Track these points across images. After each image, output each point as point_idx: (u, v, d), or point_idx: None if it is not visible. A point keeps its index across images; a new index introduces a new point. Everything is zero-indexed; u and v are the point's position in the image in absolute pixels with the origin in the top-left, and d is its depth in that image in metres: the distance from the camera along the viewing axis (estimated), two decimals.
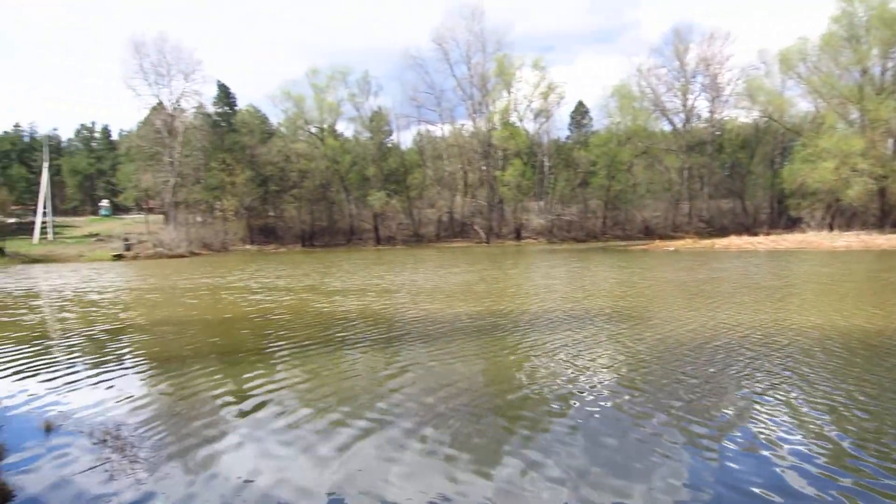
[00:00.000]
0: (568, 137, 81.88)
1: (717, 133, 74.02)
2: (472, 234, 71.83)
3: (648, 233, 69.64)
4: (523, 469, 5.39)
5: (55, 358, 10.65)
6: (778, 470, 5.33)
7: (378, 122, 74.95)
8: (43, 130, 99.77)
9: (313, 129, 73.09)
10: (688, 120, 75.30)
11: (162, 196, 66.65)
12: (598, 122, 78.14)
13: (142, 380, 9.06)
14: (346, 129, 77.51)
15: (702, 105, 75.53)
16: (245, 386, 8.35)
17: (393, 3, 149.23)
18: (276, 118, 75.49)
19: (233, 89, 75.83)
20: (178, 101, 65.78)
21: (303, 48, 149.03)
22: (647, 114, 73.29)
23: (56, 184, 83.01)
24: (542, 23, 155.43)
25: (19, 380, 8.98)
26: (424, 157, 78.24)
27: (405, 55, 75.21)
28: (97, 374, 9.24)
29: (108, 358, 10.61)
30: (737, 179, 75.57)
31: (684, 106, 74.93)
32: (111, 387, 8.46)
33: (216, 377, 8.94)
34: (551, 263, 34.06)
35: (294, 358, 10.09)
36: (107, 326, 14.31)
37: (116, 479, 5.24)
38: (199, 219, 68.04)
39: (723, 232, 61.30)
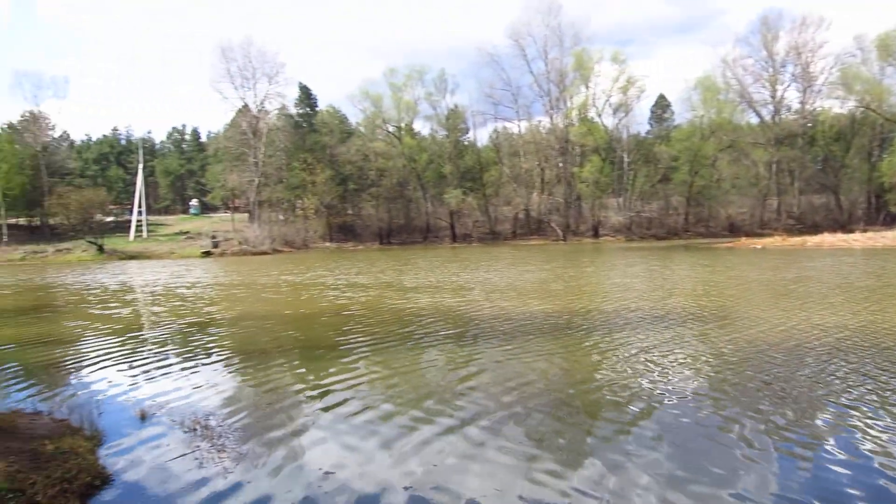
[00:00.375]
0: (648, 132, 79.73)
1: (809, 125, 69.91)
2: (549, 232, 70.98)
3: (733, 230, 66.81)
4: (604, 472, 5.18)
5: (148, 349, 11.20)
6: (880, 482, 4.89)
7: (454, 120, 75.34)
8: (138, 134, 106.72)
9: (391, 128, 74.30)
10: (777, 112, 71.58)
11: (247, 195, 69.63)
12: (680, 115, 75.90)
13: (228, 372, 9.40)
14: (422, 127, 78.62)
15: (792, 96, 71.80)
16: (325, 380, 8.50)
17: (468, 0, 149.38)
18: (354, 118, 77.49)
19: (314, 90, 78.36)
20: (262, 103, 68.63)
21: (380, 48, 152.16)
22: (733, 106, 70.16)
23: (150, 184, 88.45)
24: (619, 15, 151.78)
25: (116, 370, 9.49)
26: (501, 154, 78.02)
27: (481, 52, 75.80)
28: (186, 366, 9.67)
29: (196, 350, 11.10)
30: (830, 173, 71.08)
31: (773, 97, 71.32)
32: (199, 378, 8.81)
33: (298, 371, 9.18)
34: (630, 261, 33.08)
35: (373, 353, 10.20)
36: (195, 320, 15.03)
37: (206, 466, 5.42)
38: (281, 217, 70.62)
39: (814, 229, 58.04)
